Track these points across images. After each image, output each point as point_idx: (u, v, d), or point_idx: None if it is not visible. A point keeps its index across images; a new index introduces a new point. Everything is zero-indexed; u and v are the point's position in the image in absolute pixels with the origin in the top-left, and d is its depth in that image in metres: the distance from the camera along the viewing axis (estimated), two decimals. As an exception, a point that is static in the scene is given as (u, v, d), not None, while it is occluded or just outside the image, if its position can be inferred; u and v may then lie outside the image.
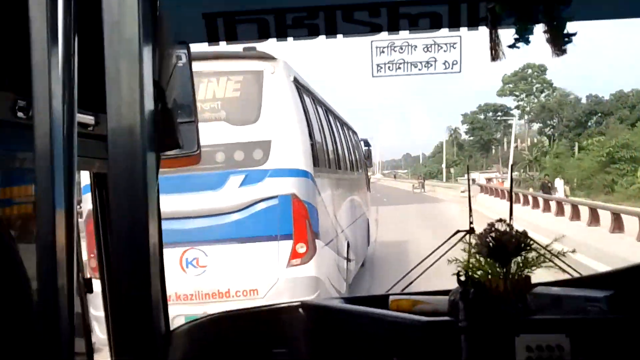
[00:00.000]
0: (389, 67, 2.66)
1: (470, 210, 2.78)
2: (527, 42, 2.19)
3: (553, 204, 22.70)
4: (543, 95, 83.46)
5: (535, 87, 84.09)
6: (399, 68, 2.66)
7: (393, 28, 2.53)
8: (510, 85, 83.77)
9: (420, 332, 2.16)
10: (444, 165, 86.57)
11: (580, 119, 69.20)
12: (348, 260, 9.11)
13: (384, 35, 2.56)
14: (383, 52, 2.65)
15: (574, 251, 2.42)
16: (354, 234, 10.55)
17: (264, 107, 6.84)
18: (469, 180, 4.11)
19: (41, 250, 0.95)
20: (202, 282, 6.76)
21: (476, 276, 2.30)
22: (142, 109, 0.97)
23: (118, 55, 0.97)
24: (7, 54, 1.05)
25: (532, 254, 2.39)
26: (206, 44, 2.53)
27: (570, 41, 2.17)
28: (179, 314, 6.27)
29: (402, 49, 2.65)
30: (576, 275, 2.58)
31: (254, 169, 6.81)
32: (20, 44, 1.28)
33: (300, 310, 2.56)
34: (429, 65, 2.65)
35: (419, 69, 2.65)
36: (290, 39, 2.55)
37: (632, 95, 64.55)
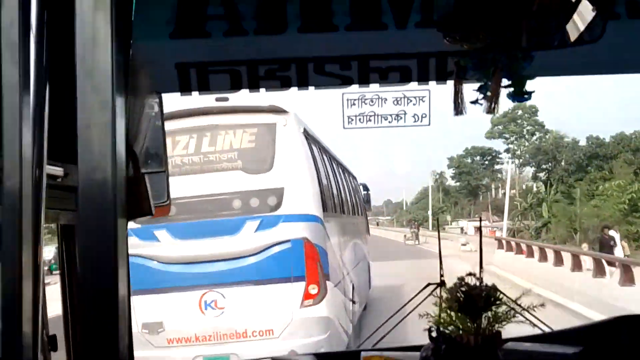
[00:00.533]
0: (359, 119, 2.68)
1: (441, 262, 2.77)
2: (488, 99, 2.23)
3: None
4: (535, 137, 77.77)
5: (526, 129, 78.93)
6: (370, 120, 2.68)
7: (364, 81, 2.56)
8: (500, 127, 79.15)
9: None
10: (429, 213, 79.96)
11: (580, 162, 62.14)
12: (353, 302, 9.37)
13: (354, 88, 2.59)
14: (354, 104, 2.68)
15: (542, 305, 2.42)
16: (358, 276, 10.89)
17: (277, 156, 7.32)
18: (438, 230, 4.20)
19: (4, 306, 0.92)
20: (220, 323, 7.06)
21: (447, 331, 2.28)
22: (114, 162, 0.95)
23: (91, 104, 0.94)
24: None
25: (503, 308, 2.39)
26: (178, 94, 2.52)
27: (529, 98, 2.23)
28: (197, 355, 6.94)
29: (372, 101, 2.68)
30: (547, 329, 2.58)
31: (269, 215, 7.20)
32: None
33: None
34: (399, 117, 2.68)
35: (389, 122, 2.68)
36: (262, 90, 2.56)
37: (635, 138, 58.84)
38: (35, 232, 0.96)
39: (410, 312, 2.84)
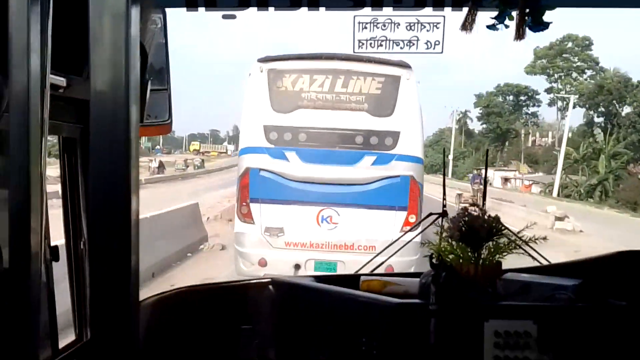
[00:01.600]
0: (370, 44, 2.61)
1: (444, 191, 2.77)
2: (506, 26, 2.16)
3: None
4: (585, 75, 63.63)
5: (576, 65, 63.88)
6: (381, 45, 2.61)
7: (377, 4, 2.47)
8: (544, 61, 63.77)
9: (391, 313, 2.15)
10: (450, 157, 61.70)
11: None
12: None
13: (367, 10, 2.50)
14: (365, 28, 2.59)
15: (545, 238, 2.44)
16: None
17: (397, 104, 8.69)
18: (444, 166, 4.21)
19: (14, 215, 0.93)
20: (332, 235, 8.69)
21: (448, 260, 2.31)
22: (127, 73, 0.91)
23: (103, 16, 0.90)
24: None
25: (504, 240, 2.41)
26: (184, 9, 2.43)
27: (547, 27, 2.15)
28: (309, 258, 8.73)
29: (384, 26, 2.60)
30: (545, 263, 2.61)
31: (384, 152, 8.69)
32: None
33: (270, 287, 2.53)
34: (411, 44, 2.61)
35: (401, 48, 2.61)
36: (271, 8, 2.47)
37: None
38: (41, 143, 0.95)
39: (410, 240, 2.87)
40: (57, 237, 1.84)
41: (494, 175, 53.96)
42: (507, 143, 73.17)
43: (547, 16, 2.07)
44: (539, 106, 76.44)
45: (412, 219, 8.59)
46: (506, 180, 54.64)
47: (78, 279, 1.98)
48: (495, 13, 2.15)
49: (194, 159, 57.54)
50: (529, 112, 76.35)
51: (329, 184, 8.73)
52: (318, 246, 8.71)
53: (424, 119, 9.19)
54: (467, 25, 2.19)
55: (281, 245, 8.76)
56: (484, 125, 75.91)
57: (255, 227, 8.82)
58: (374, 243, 8.17)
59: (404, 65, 8.75)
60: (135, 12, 0.92)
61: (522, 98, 74.83)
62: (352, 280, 2.47)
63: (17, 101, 0.91)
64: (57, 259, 1.87)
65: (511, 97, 74.90)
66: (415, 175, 8.82)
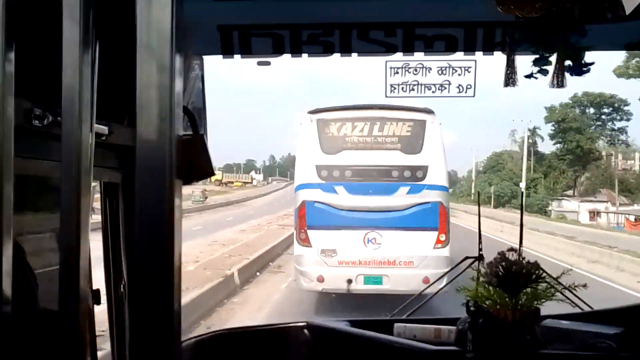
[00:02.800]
0: (402, 88, 2.63)
1: (480, 235, 2.73)
2: (544, 73, 2.15)
3: None
4: None
5: None
6: (413, 90, 2.64)
7: (408, 49, 2.50)
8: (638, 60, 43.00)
9: None
10: (523, 185, 49.49)
11: None
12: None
13: (398, 56, 2.53)
14: (397, 72, 2.63)
15: (585, 285, 2.38)
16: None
17: (425, 144, 10.60)
18: (478, 203, 4.19)
19: (62, 258, 0.95)
20: (376, 253, 10.50)
21: (484, 306, 2.26)
22: (172, 122, 0.94)
23: (151, 66, 0.93)
24: (24, 60, 1.02)
25: (543, 286, 2.35)
26: (220, 56, 2.50)
27: (588, 71, 2.14)
28: (359, 274, 10.50)
29: (416, 70, 2.63)
30: (587, 309, 2.53)
31: (416, 183, 10.59)
32: (35, 50, 1.24)
33: (305, 331, 2.50)
34: (443, 88, 2.62)
35: (432, 92, 2.64)
36: (305, 55, 2.52)
37: None
38: (85, 188, 0.97)
39: (446, 285, 2.82)
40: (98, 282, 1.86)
41: (579, 208, 45.96)
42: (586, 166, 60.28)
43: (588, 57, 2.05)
44: (628, 120, 60.25)
45: (443, 237, 10.53)
46: (596, 214, 44.86)
47: (118, 323, 1.99)
48: (531, 58, 2.15)
49: (193, 192, 50.44)
50: (615, 127, 61.35)
51: (372, 211, 10.60)
52: (366, 263, 10.52)
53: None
54: (511, 76, 2.17)
55: (335, 264, 10.60)
56: (559, 145, 61.64)
57: (312, 250, 10.65)
58: (412, 259, 10.34)
59: (429, 111, 10.78)
60: (179, 61, 0.95)
61: (606, 110, 60.44)
62: (386, 324, 2.43)
63: (68, 150, 0.94)
64: (98, 303, 1.89)
65: (592, 110, 61.01)
66: (443, 201, 10.73)
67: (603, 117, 61.50)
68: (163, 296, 0.95)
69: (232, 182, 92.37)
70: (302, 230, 10.82)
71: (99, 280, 2.02)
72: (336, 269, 10.58)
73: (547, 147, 65.20)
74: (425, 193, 10.61)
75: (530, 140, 62.12)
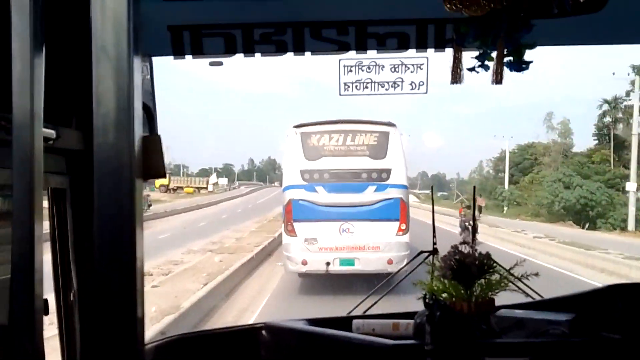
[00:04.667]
0: (356, 86, 2.65)
1: (434, 230, 2.78)
2: (485, 68, 2.19)
3: None
4: None
5: None
6: (366, 87, 2.65)
7: (361, 47, 2.52)
8: None
9: (386, 355, 2.13)
10: (633, 185, 35.20)
11: None
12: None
13: (352, 54, 2.55)
14: (351, 70, 2.64)
15: (537, 274, 2.45)
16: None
17: (388, 151, 13.19)
18: (432, 197, 4.25)
19: (15, 270, 0.92)
20: (350, 240, 13.01)
21: (441, 298, 2.30)
22: (130, 123, 0.92)
23: (106, 67, 0.91)
24: None
25: (495, 277, 2.41)
26: (171, 57, 2.46)
27: (527, 68, 2.19)
28: (336, 257, 12.98)
29: (369, 68, 2.65)
30: (538, 298, 2.61)
31: (382, 183, 13.13)
32: None
33: (264, 332, 2.49)
34: (396, 85, 2.65)
35: (386, 89, 2.66)
36: (257, 54, 2.51)
37: None
38: (35, 195, 0.95)
39: (402, 280, 2.86)
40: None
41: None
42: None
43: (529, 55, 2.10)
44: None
45: (403, 226, 13.10)
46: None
47: (68, 332, 1.94)
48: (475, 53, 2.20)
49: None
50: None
51: (345, 207, 13.03)
52: (341, 249, 13.03)
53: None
54: (457, 72, 2.21)
55: (316, 250, 13.08)
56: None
57: (298, 239, 13.15)
58: (378, 244, 12.90)
59: (391, 125, 13.54)
60: (136, 61, 0.94)
61: None
62: (344, 321, 2.44)
63: (20, 156, 0.91)
64: (46, 313, 1.83)
65: None
66: (403, 197, 13.29)
67: None
68: (124, 302, 0.93)
69: (181, 188, 77.75)
70: (289, 223, 13.32)
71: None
72: (317, 254, 13.01)
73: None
74: (389, 191, 13.06)
75: (611, 117, 46.44)
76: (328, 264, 13.00)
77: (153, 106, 2.33)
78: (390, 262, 12.58)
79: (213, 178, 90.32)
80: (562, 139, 55.66)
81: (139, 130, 0.94)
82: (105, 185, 0.92)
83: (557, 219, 40.83)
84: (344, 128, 13.37)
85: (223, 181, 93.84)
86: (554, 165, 50.91)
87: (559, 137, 56.68)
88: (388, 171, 13.13)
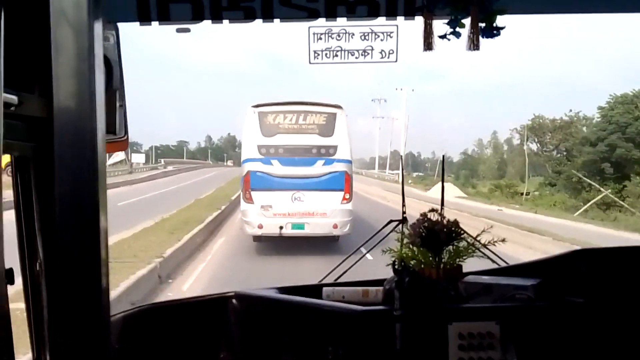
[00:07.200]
0: (326, 55, 2.62)
1: (404, 199, 2.80)
2: (457, 35, 2.19)
3: None
4: None
5: None
6: (336, 55, 2.63)
7: (331, 14, 2.48)
8: None
9: (355, 321, 2.15)
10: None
11: None
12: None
13: (321, 21, 2.51)
14: (320, 38, 2.61)
15: (503, 240, 2.49)
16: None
17: (335, 129, 15.05)
18: (402, 169, 4.30)
19: None
20: (301, 207, 14.80)
21: (410, 265, 2.33)
22: (91, 87, 0.89)
23: (64, 30, 0.88)
24: None
25: (463, 244, 2.45)
26: (137, 23, 2.40)
27: (499, 34, 2.19)
28: (288, 222, 14.79)
29: (339, 36, 2.62)
30: (504, 264, 2.66)
31: (329, 158, 14.96)
32: None
33: (234, 300, 2.50)
34: (366, 53, 2.63)
35: (356, 57, 2.63)
36: (225, 21, 2.46)
37: None
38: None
39: (372, 248, 2.88)
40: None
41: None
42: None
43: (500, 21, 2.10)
44: None
45: (347, 195, 15.04)
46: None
47: (35, 301, 1.92)
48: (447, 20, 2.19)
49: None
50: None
51: (297, 178, 14.78)
52: (293, 215, 14.79)
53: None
54: (428, 39, 2.20)
55: (271, 216, 14.76)
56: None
57: (255, 206, 14.80)
58: (325, 211, 14.75)
59: (338, 107, 15.32)
60: (97, 26, 0.91)
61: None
62: (315, 289, 2.46)
63: None
64: (12, 282, 1.80)
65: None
66: (348, 170, 15.16)
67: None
68: (88, 272, 0.92)
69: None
70: (247, 191, 14.97)
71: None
72: (272, 219, 14.72)
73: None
74: (335, 165, 14.98)
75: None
76: (281, 227, 14.69)
77: (120, 74, 2.27)
78: (335, 226, 14.79)
79: (138, 157, 75.27)
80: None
81: (100, 97, 0.92)
82: (65, 152, 0.90)
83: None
84: (297, 109, 15.12)
85: (139, 158, 74.28)
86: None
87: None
88: (335, 147, 14.96)
